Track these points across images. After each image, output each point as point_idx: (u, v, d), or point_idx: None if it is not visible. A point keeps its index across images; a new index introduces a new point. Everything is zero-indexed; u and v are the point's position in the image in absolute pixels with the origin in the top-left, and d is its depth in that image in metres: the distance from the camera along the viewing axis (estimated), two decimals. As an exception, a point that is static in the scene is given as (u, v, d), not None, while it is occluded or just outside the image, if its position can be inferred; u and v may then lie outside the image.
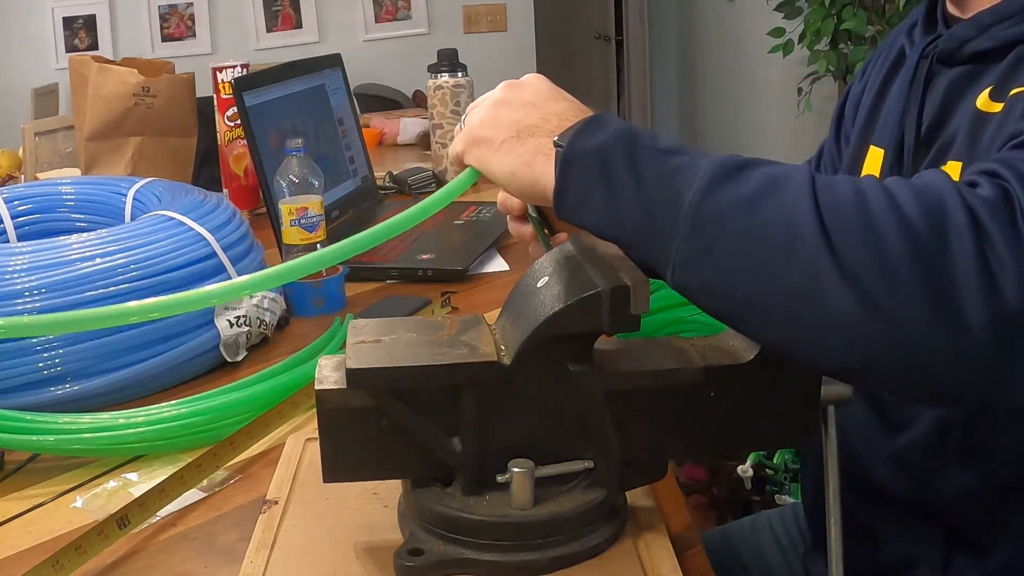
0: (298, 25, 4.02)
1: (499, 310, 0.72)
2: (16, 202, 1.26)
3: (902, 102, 0.86)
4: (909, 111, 0.85)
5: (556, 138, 0.64)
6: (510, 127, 0.67)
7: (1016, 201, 0.55)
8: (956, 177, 0.76)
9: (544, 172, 0.64)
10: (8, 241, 1.23)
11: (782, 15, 3.45)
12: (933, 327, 0.53)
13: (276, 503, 0.76)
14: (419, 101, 3.64)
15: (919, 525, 0.85)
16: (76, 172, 1.87)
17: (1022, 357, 0.54)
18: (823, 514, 0.79)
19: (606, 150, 0.61)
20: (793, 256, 0.55)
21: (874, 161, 0.90)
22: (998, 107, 0.75)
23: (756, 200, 0.57)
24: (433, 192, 0.69)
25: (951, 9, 0.85)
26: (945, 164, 0.79)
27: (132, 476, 0.85)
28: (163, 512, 0.79)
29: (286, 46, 3.87)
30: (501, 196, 0.78)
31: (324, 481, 0.68)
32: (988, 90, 0.77)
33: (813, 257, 0.54)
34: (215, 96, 1.67)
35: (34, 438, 0.85)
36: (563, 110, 0.68)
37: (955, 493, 0.81)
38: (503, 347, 0.67)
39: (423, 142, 2.41)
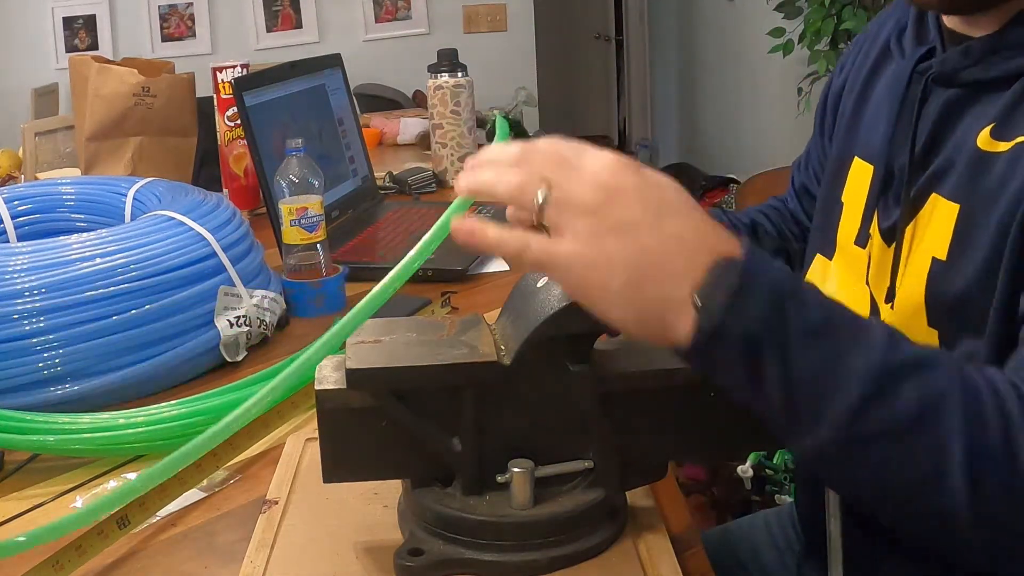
0: (298, 25, 4.02)
1: (499, 310, 0.72)
2: (16, 202, 1.26)
3: (892, 118, 0.83)
4: (901, 130, 0.82)
5: (697, 299, 0.56)
6: (625, 269, 0.56)
7: None
8: (952, 220, 0.74)
9: (677, 329, 0.57)
10: (8, 241, 1.23)
11: (782, 15, 3.45)
12: None
13: (276, 503, 0.76)
14: (419, 101, 3.63)
15: (913, 553, 0.84)
16: (76, 172, 1.87)
17: None
18: (817, 525, 0.79)
19: (756, 339, 0.56)
20: (932, 497, 0.56)
21: (861, 176, 0.88)
22: (1002, 146, 0.72)
23: (907, 432, 0.56)
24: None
25: (948, 22, 0.81)
26: (937, 193, 0.77)
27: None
28: (163, 512, 0.79)
29: (286, 46, 3.87)
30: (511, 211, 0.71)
31: (324, 481, 0.68)
32: (989, 128, 0.74)
33: (951, 504, 0.56)
34: (215, 96, 1.67)
35: (34, 438, 0.85)
36: (681, 231, 0.58)
37: None
38: (503, 347, 0.67)
39: (423, 142, 2.41)
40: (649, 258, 0.57)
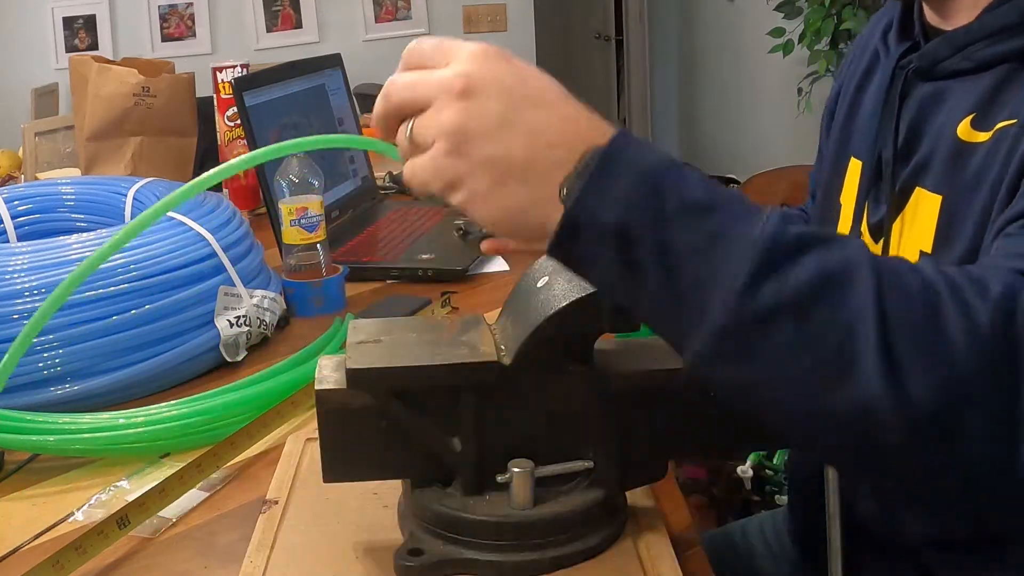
0: (298, 25, 4.02)
1: (499, 310, 0.72)
2: (16, 202, 1.26)
3: (878, 113, 0.84)
4: (885, 125, 0.83)
5: (562, 192, 0.52)
6: (490, 169, 0.53)
7: None
8: (936, 212, 0.74)
9: (547, 229, 0.53)
10: (8, 241, 1.23)
11: (782, 15, 3.46)
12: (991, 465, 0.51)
13: (276, 503, 0.76)
14: (419, 101, 3.63)
15: (895, 561, 0.85)
16: (76, 172, 1.87)
17: None
18: (811, 534, 0.79)
19: (623, 223, 0.50)
20: (846, 388, 0.48)
21: (854, 173, 0.89)
22: (982, 136, 0.73)
23: (808, 306, 0.49)
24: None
25: (929, 18, 0.82)
26: (920, 187, 0.78)
27: (128, 481, 0.85)
28: (163, 512, 0.78)
29: (286, 46, 3.87)
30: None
31: (324, 481, 0.68)
32: (970, 118, 0.74)
33: (867, 394, 0.48)
34: (215, 96, 1.67)
35: (34, 438, 0.85)
36: (544, 125, 0.53)
37: (922, 538, 0.81)
38: (503, 347, 0.67)
39: (423, 142, 2.40)
40: (516, 154, 0.53)
